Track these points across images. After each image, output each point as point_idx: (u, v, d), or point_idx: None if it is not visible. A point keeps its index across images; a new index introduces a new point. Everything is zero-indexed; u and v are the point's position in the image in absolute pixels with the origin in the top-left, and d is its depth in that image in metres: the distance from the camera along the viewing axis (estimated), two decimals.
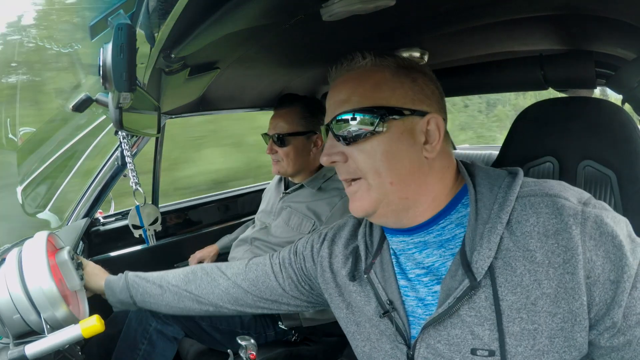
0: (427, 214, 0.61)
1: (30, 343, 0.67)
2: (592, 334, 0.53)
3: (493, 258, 0.54)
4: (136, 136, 1.58)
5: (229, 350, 0.97)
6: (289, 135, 1.36)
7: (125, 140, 1.34)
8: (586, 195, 0.56)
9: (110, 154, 1.61)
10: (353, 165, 0.61)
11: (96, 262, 1.01)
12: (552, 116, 0.95)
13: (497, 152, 1.06)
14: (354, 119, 0.59)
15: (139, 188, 1.39)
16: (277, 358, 1.28)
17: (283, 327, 1.32)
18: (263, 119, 1.63)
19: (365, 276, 0.68)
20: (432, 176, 0.61)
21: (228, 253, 1.58)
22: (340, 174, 0.64)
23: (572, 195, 0.55)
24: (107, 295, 0.93)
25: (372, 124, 0.58)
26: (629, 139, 0.86)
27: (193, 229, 2.02)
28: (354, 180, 0.62)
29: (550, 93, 1.10)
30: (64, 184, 1.72)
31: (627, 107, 0.88)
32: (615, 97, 1.03)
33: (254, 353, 0.96)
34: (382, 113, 0.58)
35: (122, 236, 1.69)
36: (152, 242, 1.53)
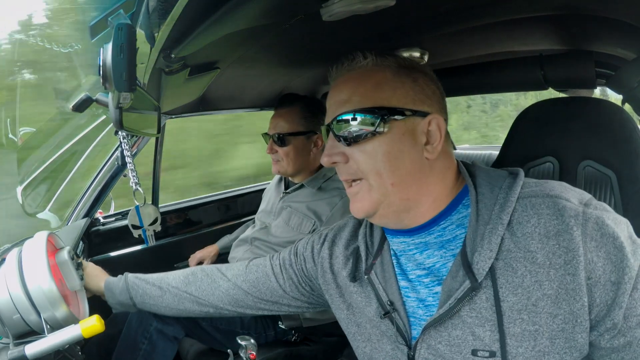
0: (427, 214, 0.61)
1: (30, 343, 0.67)
2: (592, 335, 0.53)
3: (494, 259, 0.54)
4: (136, 136, 1.58)
5: (229, 350, 0.97)
6: (289, 134, 1.36)
7: (125, 140, 1.34)
8: (587, 196, 0.56)
9: (110, 154, 1.61)
10: (354, 166, 0.61)
11: (96, 262, 1.01)
12: (552, 116, 0.95)
13: (497, 152, 1.06)
14: (354, 119, 0.59)
15: (139, 188, 1.39)
16: (277, 358, 1.28)
17: (283, 327, 1.32)
18: None
19: (365, 277, 0.68)
20: (433, 177, 0.61)
21: (228, 253, 1.58)
22: (341, 175, 0.64)
23: (573, 196, 0.55)
24: (107, 297, 0.93)
25: (373, 124, 0.58)
26: (629, 139, 0.86)
27: (193, 229, 2.02)
28: (354, 181, 0.62)
29: (551, 93, 1.10)
30: (64, 184, 1.72)
31: (627, 107, 0.88)
32: (615, 97, 1.03)
33: (254, 353, 0.96)
34: (383, 113, 0.58)
35: (122, 236, 1.69)
36: (152, 242, 1.53)
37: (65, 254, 0.84)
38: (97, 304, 0.93)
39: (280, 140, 1.36)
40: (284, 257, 0.86)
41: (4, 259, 0.77)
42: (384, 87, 0.60)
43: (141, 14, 0.65)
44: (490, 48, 1.15)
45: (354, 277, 0.70)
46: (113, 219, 1.77)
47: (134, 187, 1.38)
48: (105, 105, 1.03)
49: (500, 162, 1.03)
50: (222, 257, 1.72)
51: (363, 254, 0.70)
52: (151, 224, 1.51)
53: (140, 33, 0.65)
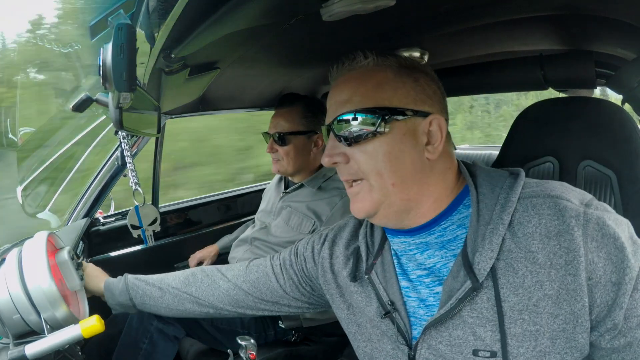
0: (428, 215, 0.61)
1: (30, 343, 0.67)
2: (593, 336, 0.53)
3: (495, 259, 0.54)
4: (136, 136, 1.58)
5: (229, 350, 0.97)
6: (290, 134, 1.36)
7: (125, 140, 1.34)
8: (588, 196, 0.56)
9: (110, 154, 1.61)
10: (355, 167, 0.61)
11: (96, 262, 1.01)
12: (552, 116, 0.95)
13: (497, 152, 1.06)
14: (355, 119, 0.59)
15: (139, 188, 1.39)
16: (277, 358, 1.28)
17: (283, 326, 1.32)
18: None
19: (366, 277, 0.68)
20: (433, 177, 0.61)
21: (228, 253, 1.58)
22: (341, 175, 0.64)
23: (574, 196, 0.55)
24: (107, 298, 0.92)
25: (373, 124, 0.58)
26: (629, 139, 0.86)
27: (193, 229, 2.02)
28: (355, 181, 0.62)
29: (552, 93, 1.10)
30: (64, 184, 1.73)
31: (627, 107, 0.88)
32: (615, 97, 1.03)
33: (254, 353, 0.96)
34: (384, 113, 0.58)
35: (122, 236, 1.69)
36: (151, 242, 1.53)
37: (65, 254, 0.84)
38: (97, 304, 0.93)
39: (281, 139, 1.36)
40: (284, 257, 0.86)
41: (4, 259, 0.77)
42: (385, 87, 0.60)
43: (141, 14, 0.65)
44: (490, 48, 1.15)
45: (355, 276, 0.70)
46: (113, 219, 1.77)
47: (133, 187, 1.38)
48: (105, 105, 1.03)
49: (500, 162, 1.03)
50: (222, 257, 1.72)
51: (364, 253, 0.70)
52: (150, 224, 1.51)
53: (140, 33, 0.65)
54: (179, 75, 0.97)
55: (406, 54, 1.12)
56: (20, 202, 1.62)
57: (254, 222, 1.62)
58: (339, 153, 0.62)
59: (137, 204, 1.45)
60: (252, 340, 0.97)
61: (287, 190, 1.46)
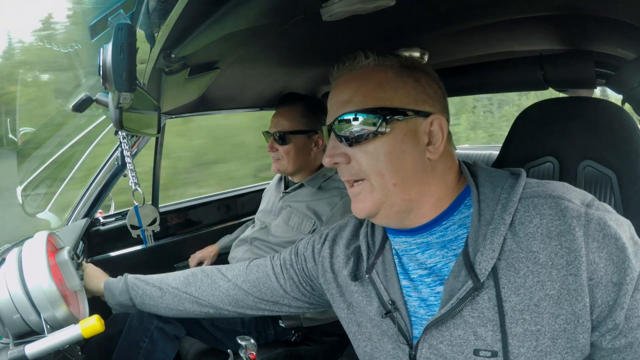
0: (429, 215, 0.61)
1: (30, 343, 0.67)
2: (594, 336, 0.53)
3: (496, 259, 0.54)
4: (136, 136, 1.58)
5: (229, 350, 0.97)
6: (290, 133, 1.36)
7: (125, 140, 1.34)
8: (589, 197, 0.56)
9: (110, 153, 1.61)
10: (356, 167, 0.61)
11: (96, 262, 1.01)
12: (552, 116, 0.95)
13: (497, 152, 1.06)
14: (356, 119, 0.59)
15: (138, 188, 1.39)
16: (277, 358, 1.28)
17: (283, 325, 1.32)
18: None
19: (367, 276, 0.68)
20: (434, 177, 0.61)
21: (228, 253, 1.58)
22: (342, 175, 0.64)
23: (575, 196, 0.55)
24: (107, 298, 0.93)
25: (374, 124, 0.58)
26: (629, 139, 0.86)
27: (193, 229, 2.02)
28: (356, 181, 0.62)
29: (552, 93, 1.10)
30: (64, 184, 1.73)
31: (627, 107, 0.88)
32: (615, 97, 1.03)
33: (254, 353, 0.96)
34: (385, 114, 0.58)
35: (122, 236, 1.69)
36: (150, 242, 1.53)
37: (65, 254, 0.84)
38: (97, 304, 0.93)
39: (281, 138, 1.36)
40: (284, 257, 0.86)
41: (4, 259, 0.77)
42: (386, 87, 0.60)
43: (141, 14, 0.65)
44: (490, 48, 1.15)
45: (355, 276, 0.70)
46: (113, 219, 1.77)
47: (133, 187, 1.38)
48: (105, 105, 1.03)
49: (501, 162, 1.03)
50: (222, 257, 1.72)
51: (364, 253, 0.70)
52: (150, 224, 1.51)
53: (140, 33, 0.65)
54: (179, 75, 0.97)
55: (406, 54, 1.12)
56: (20, 202, 1.62)
57: (254, 222, 1.62)
58: (340, 153, 0.62)
59: (136, 204, 1.45)
60: (252, 340, 0.97)
61: (287, 190, 1.46)
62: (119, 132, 1.36)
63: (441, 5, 0.80)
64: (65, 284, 0.81)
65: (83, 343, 1.11)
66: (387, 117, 0.58)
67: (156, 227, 1.53)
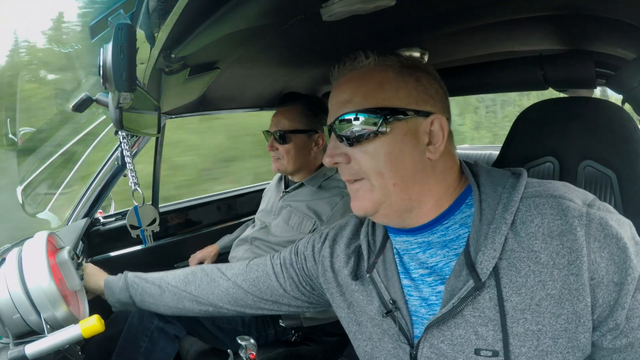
0: (430, 214, 0.61)
1: (30, 343, 0.67)
2: (595, 335, 0.53)
3: (497, 259, 0.54)
4: (136, 136, 1.58)
5: (228, 350, 0.97)
6: (290, 132, 1.36)
7: (125, 140, 1.34)
8: (590, 196, 0.56)
9: (110, 153, 1.61)
10: (356, 167, 0.61)
11: (96, 262, 1.01)
12: (552, 116, 0.95)
13: (497, 153, 1.06)
14: (357, 119, 0.59)
15: (138, 188, 1.39)
16: (277, 358, 1.28)
17: (283, 325, 1.32)
18: None
19: (367, 275, 0.68)
20: (435, 177, 0.61)
21: (228, 253, 1.58)
22: (343, 175, 0.64)
23: (576, 196, 0.55)
24: (107, 295, 0.93)
25: (375, 124, 0.58)
26: (629, 139, 0.86)
27: (193, 229, 2.02)
28: (356, 180, 0.62)
29: (552, 93, 1.10)
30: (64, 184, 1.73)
31: (627, 107, 0.88)
32: (615, 97, 1.03)
33: (254, 353, 0.96)
34: (385, 114, 0.58)
35: (122, 236, 1.69)
36: (150, 242, 1.53)
37: (65, 254, 0.84)
38: (97, 304, 0.93)
39: (281, 137, 1.36)
40: (284, 256, 0.86)
41: (4, 259, 0.77)
42: (386, 87, 0.60)
43: (141, 14, 0.65)
44: (490, 48, 1.15)
45: (356, 275, 0.70)
46: (113, 219, 1.77)
47: (132, 187, 1.38)
48: (105, 105, 1.03)
49: (501, 162, 1.03)
50: (222, 257, 1.72)
51: (365, 252, 0.70)
52: (150, 224, 1.51)
53: (140, 33, 0.65)
54: (179, 75, 0.97)
55: (406, 54, 1.12)
56: (20, 202, 1.62)
57: (254, 222, 1.62)
58: (340, 153, 0.62)
59: (136, 204, 1.45)
60: (252, 340, 0.97)
61: (287, 190, 1.46)
62: (119, 132, 1.36)
63: (441, 5, 0.80)
64: (65, 284, 0.81)
65: (83, 343, 1.11)
66: (387, 117, 0.58)
67: (156, 227, 1.53)
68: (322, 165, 1.40)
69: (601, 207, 0.54)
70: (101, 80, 0.61)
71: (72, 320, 0.73)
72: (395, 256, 0.67)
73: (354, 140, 0.60)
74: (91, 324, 0.69)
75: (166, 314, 0.98)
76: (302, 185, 1.42)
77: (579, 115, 0.92)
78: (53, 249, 0.85)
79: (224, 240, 1.78)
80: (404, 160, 0.59)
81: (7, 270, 0.73)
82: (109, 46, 0.57)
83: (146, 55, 0.78)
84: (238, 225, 1.86)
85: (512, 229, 0.55)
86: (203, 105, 1.57)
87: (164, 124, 1.68)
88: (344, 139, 0.61)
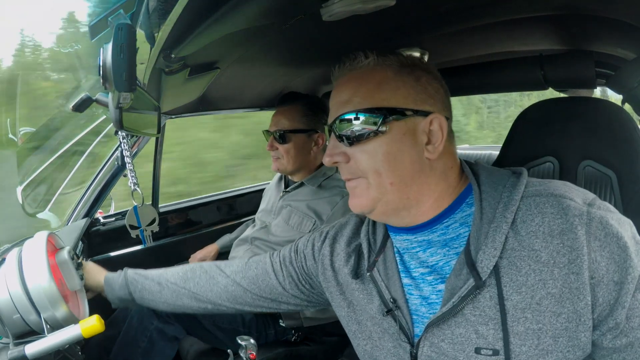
0: (430, 213, 0.62)
1: (30, 343, 0.67)
2: (595, 335, 0.53)
3: (498, 257, 0.54)
4: (136, 136, 1.58)
5: (228, 350, 0.97)
6: (290, 132, 1.36)
7: (125, 140, 1.34)
8: (591, 195, 0.56)
9: (110, 153, 1.61)
10: (354, 166, 0.61)
11: (96, 262, 1.01)
12: (552, 116, 0.95)
13: (497, 153, 1.06)
14: (357, 119, 0.59)
15: (137, 188, 1.39)
16: (277, 358, 1.28)
17: (283, 325, 1.32)
18: None
19: (368, 274, 0.68)
20: (433, 177, 0.61)
21: (228, 252, 1.58)
22: (342, 174, 0.64)
23: (577, 195, 0.55)
24: (106, 292, 0.93)
25: (375, 124, 0.58)
26: (629, 139, 0.86)
27: (193, 229, 2.02)
28: (354, 178, 0.63)
29: (553, 93, 1.10)
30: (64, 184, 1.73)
31: (627, 107, 0.88)
32: (615, 97, 1.03)
33: (254, 353, 0.96)
34: (384, 113, 0.58)
35: (122, 236, 1.69)
36: (149, 242, 1.53)
37: (65, 254, 0.84)
38: (97, 304, 0.93)
39: (281, 137, 1.36)
40: (284, 254, 0.86)
41: (4, 259, 0.77)
42: (385, 87, 0.60)
43: (141, 14, 0.65)
44: (490, 48, 1.15)
45: (356, 274, 0.70)
46: (113, 219, 1.77)
47: (132, 187, 1.38)
48: (105, 105, 1.03)
49: (501, 162, 1.03)
50: (222, 257, 1.73)
51: (365, 251, 0.70)
52: (149, 225, 1.51)
53: (140, 33, 0.65)
54: (179, 75, 0.97)
55: (406, 54, 1.12)
56: (20, 202, 1.62)
57: (254, 221, 1.62)
58: (340, 153, 0.62)
59: (135, 204, 1.45)
60: (252, 340, 0.97)
61: (287, 189, 1.46)
62: (119, 132, 1.36)
63: (441, 5, 0.80)
64: (65, 284, 0.81)
65: (83, 343, 1.11)
66: (386, 117, 0.58)
67: (155, 227, 1.53)
68: (322, 164, 1.40)
69: (602, 206, 0.54)
70: (101, 80, 0.62)
71: (72, 320, 0.73)
72: (396, 255, 0.67)
73: (354, 140, 0.60)
74: (91, 324, 0.69)
75: (165, 311, 0.98)
76: (302, 184, 1.42)
77: (579, 115, 0.92)
78: (53, 249, 0.85)
79: (224, 239, 1.78)
80: (402, 159, 0.59)
81: (7, 270, 0.73)
82: (109, 46, 0.57)
83: (146, 55, 0.78)
84: (238, 225, 1.86)
85: (512, 227, 0.55)
86: (203, 105, 1.57)
87: (164, 124, 1.68)
88: (343, 138, 0.61)
